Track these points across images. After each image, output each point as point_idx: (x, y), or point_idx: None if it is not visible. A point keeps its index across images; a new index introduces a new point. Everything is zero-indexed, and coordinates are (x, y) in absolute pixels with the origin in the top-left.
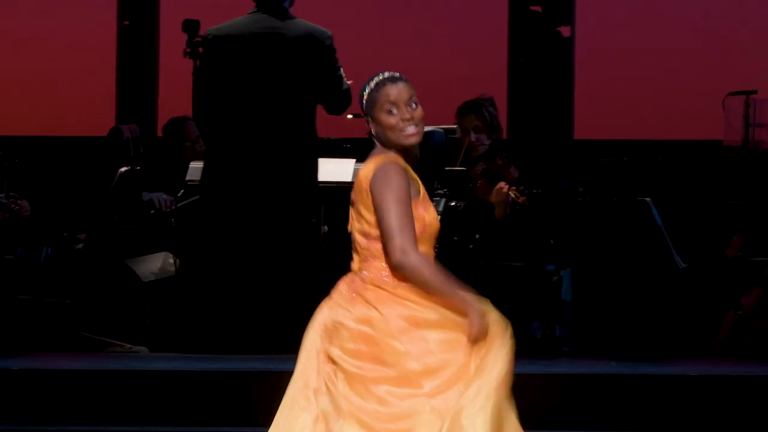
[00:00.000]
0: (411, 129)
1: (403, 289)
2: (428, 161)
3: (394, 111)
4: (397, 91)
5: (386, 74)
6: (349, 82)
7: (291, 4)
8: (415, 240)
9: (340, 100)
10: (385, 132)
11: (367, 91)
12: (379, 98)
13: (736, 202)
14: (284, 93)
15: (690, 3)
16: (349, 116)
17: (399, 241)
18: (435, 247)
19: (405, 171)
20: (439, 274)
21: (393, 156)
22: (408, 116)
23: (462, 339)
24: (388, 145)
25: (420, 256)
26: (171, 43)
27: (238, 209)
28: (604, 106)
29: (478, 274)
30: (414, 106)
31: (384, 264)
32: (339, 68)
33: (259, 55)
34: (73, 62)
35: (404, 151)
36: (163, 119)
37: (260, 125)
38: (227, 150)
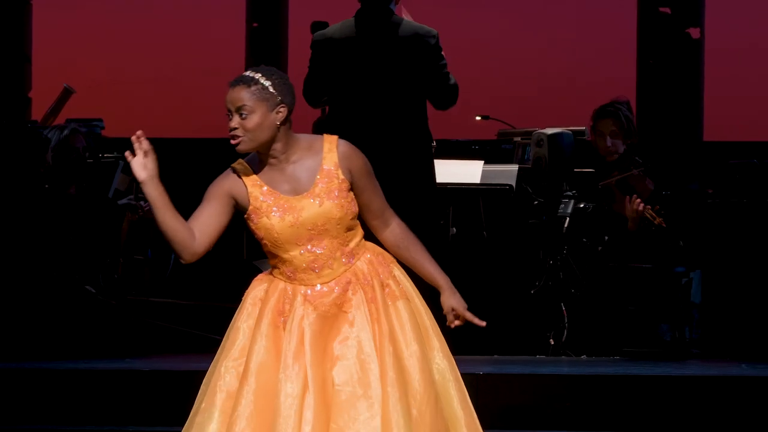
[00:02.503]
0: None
1: None
2: (556, 163)
3: (228, 116)
4: (230, 95)
5: (241, 74)
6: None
7: (396, 3)
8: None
9: (447, 95)
10: None
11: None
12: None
13: None
14: (394, 95)
15: None
16: (477, 118)
17: None
18: (563, 249)
19: (232, 178)
20: None
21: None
22: (234, 125)
23: None
24: None
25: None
26: (299, 44)
27: None
28: (734, 107)
29: (607, 276)
30: (244, 115)
31: None
32: (445, 65)
33: (365, 58)
34: (203, 64)
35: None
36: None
37: (371, 129)
38: None
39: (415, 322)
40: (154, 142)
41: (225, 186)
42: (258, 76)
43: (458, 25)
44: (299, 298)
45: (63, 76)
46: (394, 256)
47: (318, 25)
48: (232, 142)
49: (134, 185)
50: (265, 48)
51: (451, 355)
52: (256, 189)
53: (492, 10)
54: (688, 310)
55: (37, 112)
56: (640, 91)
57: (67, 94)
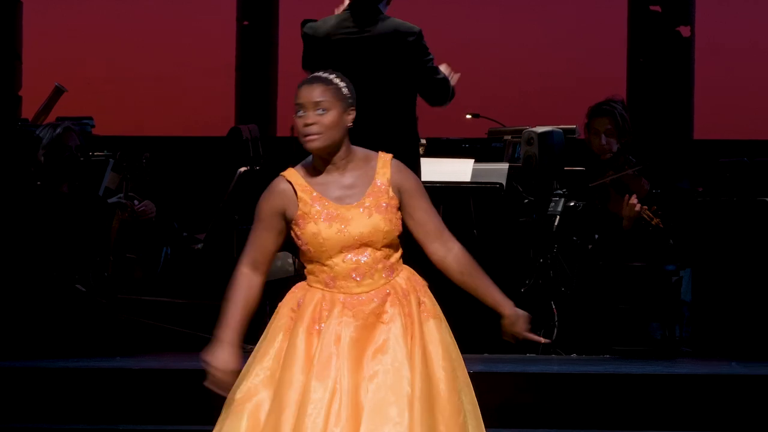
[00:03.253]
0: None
1: None
2: (547, 161)
3: (301, 113)
4: (307, 92)
5: (311, 75)
6: (456, 75)
7: (387, 4)
8: (250, 259)
9: (436, 89)
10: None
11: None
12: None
13: None
14: (376, 93)
15: None
16: (468, 116)
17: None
18: (554, 248)
19: (279, 190)
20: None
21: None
22: (311, 121)
23: None
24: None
25: (237, 272)
26: (290, 42)
27: None
28: (724, 105)
29: (597, 275)
30: (321, 111)
31: None
32: (429, 61)
33: (342, 56)
34: (193, 63)
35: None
36: (282, 119)
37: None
38: None
39: (446, 343)
40: (144, 140)
41: (275, 205)
42: (333, 77)
43: (449, 23)
44: (338, 306)
45: (53, 75)
46: (457, 283)
47: (308, 23)
48: (307, 138)
49: (124, 184)
50: (255, 46)
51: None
52: (306, 194)
53: (483, 8)
54: (678, 309)
55: (28, 111)
56: (630, 90)
57: (58, 92)
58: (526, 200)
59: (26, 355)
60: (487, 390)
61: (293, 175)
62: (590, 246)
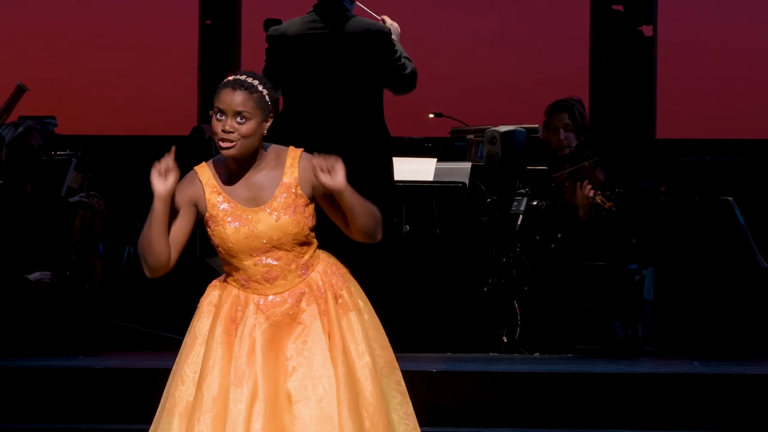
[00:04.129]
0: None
1: None
2: (509, 160)
3: (220, 116)
4: (229, 97)
5: (235, 77)
6: (395, 25)
7: (352, 1)
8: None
9: (403, 84)
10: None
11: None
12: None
13: None
14: (347, 92)
15: None
16: (431, 115)
17: None
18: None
19: (193, 184)
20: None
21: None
22: (229, 128)
23: None
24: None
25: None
26: (252, 42)
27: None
28: (686, 105)
29: (560, 274)
30: (241, 120)
31: None
32: (399, 57)
33: (314, 56)
34: (155, 62)
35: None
36: None
37: (325, 126)
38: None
39: (366, 335)
40: (105, 139)
41: (187, 194)
42: (257, 83)
43: (411, 21)
44: (251, 307)
45: (15, 74)
46: (356, 234)
47: (271, 23)
48: (223, 145)
49: (86, 183)
50: (218, 45)
51: (398, 368)
52: (213, 196)
53: (444, 6)
54: (641, 308)
55: None
56: (593, 89)
57: (20, 91)
58: (489, 199)
59: None
60: (450, 389)
61: (205, 173)
62: (553, 245)
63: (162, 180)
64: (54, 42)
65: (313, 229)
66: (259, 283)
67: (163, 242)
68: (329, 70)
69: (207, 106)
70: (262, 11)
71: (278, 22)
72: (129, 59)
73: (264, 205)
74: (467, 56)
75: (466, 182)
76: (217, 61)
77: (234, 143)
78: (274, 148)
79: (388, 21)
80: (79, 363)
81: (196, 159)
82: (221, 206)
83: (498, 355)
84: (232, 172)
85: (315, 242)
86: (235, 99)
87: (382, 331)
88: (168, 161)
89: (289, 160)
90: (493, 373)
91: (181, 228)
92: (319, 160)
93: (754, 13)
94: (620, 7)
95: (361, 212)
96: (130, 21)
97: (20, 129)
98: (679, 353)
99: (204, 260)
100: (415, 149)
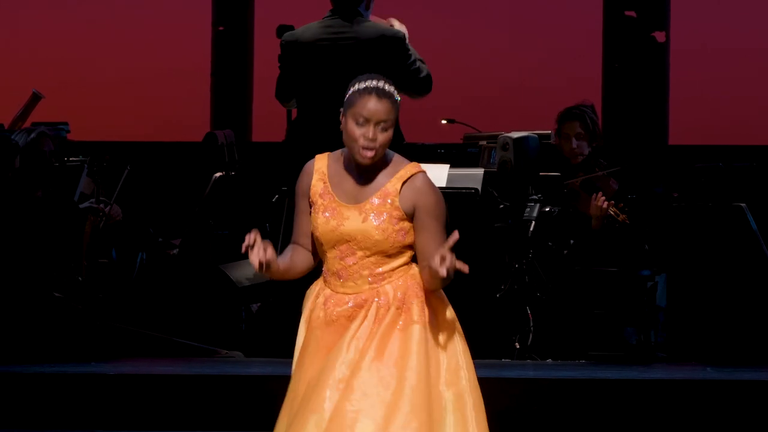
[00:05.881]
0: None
1: None
2: (522, 166)
3: (362, 123)
4: (375, 106)
5: (376, 84)
6: (403, 27)
7: (367, 8)
8: (293, 241)
9: (419, 88)
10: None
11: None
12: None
13: None
14: None
15: None
16: (443, 121)
17: None
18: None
19: (305, 171)
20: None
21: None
22: (372, 136)
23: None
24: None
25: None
26: (265, 48)
27: None
28: (699, 111)
29: (572, 280)
30: (383, 129)
31: None
32: (414, 62)
33: (331, 61)
34: (169, 68)
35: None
36: (257, 124)
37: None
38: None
39: (424, 351)
40: (119, 145)
41: (302, 186)
42: (393, 90)
43: (424, 27)
44: (321, 299)
45: (28, 80)
46: None
47: (284, 29)
48: (367, 153)
49: (96, 189)
50: (230, 51)
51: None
52: (319, 183)
53: (458, 13)
54: (653, 314)
55: (2, 117)
56: (605, 95)
57: (35, 99)
58: (502, 205)
59: (0, 360)
60: None
61: (321, 160)
62: (565, 251)
63: (256, 254)
64: (67, 48)
65: (409, 247)
66: (332, 276)
67: (299, 267)
68: (344, 76)
69: (220, 111)
70: (275, 17)
71: (291, 28)
72: (142, 65)
73: (359, 204)
74: (480, 63)
75: (479, 188)
76: (229, 68)
77: (375, 151)
78: (397, 157)
79: (396, 24)
80: (91, 369)
81: (209, 165)
82: (321, 195)
83: (510, 362)
84: (347, 167)
85: (407, 260)
86: (380, 108)
87: (462, 359)
88: (251, 236)
89: (402, 171)
90: (505, 379)
91: (306, 222)
92: (443, 252)
93: (767, 19)
94: (633, 14)
95: (430, 280)
96: (143, 27)
97: (32, 135)
98: (692, 359)
99: (217, 266)
100: (428, 155)
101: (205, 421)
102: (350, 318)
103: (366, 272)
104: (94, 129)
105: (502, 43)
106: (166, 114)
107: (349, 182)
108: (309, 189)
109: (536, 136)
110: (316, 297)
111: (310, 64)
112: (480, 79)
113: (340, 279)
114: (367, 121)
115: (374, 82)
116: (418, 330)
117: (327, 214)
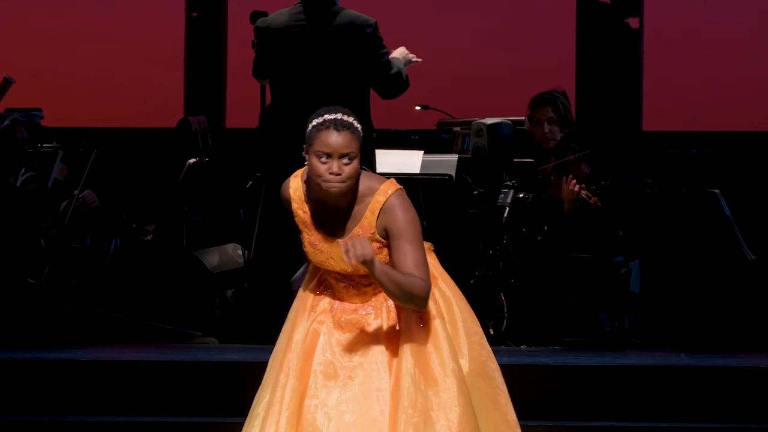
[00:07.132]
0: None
1: None
2: (496, 152)
3: (325, 159)
4: (336, 140)
5: (333, 117)
6: (419, 59)
7: None
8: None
9: (389, 84)
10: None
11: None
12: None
13: None
14: (332, 84)
15: None
16: (417, 107)
17: None
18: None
19: (282, 198)
20: None
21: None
22: (336, 170)
23: None
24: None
25: None
26: (239, 34)
27: None
28: (673, 97)
29: (546, 266)
30: (347, 161)
31: None
32: (384, 54)
33: (300, 47)
34: (142, 54)
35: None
36: (231, 110)
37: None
38: (283, 141)
39: (450, 342)
40: (93, 132)
41: (287, 210)
42: (354, 121)
43: (398, 14)
44: (324, 304)
45: (1, 66)
46: None
47: (257, 15)
48: (333, 189)
49: (71, 175)
50: (204, 37)
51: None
52: (299, 212)
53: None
54: (627, 300)
55: None
56: (579, 81)
57: (7, 84)
58: (476, 192)
59: None
60: None
61: (295, 185)
62: (539, 237)
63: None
64: (41, 34)
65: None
66: (337, 290)
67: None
68: (314, 62)
69: (193, 98)
70: (249, 3)
71: (265, 14)
72: (116, 51)
73: (338, 240)
74: (454, 48)
75: (453, 174)
76: (203, 54)
77: (340, 184)
78: (365, 184)
79: (402, 52)
80: (65, 355)
81: (183, 151)
82: (304, 223)
83: None
84: (323, 196)
85: None
86: (342, 141)
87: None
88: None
89: (373, 204)
90: None
91: None
92: (344, 244)
93: (740, 5)
94: (606, 0)
95: (388, 287)
96: (116, 13)
97: (6, 122)
98: (666, 345)
99: (192, 253)
100: (402, 141)
101: (179, 407)
102: (356, 323)
103: (369, 289)
104: (68, 115)
105: (475, 28)
106: (139, 100)
107: (327, 213)
108: (293, 215)
109: (510, 122)
110: (317, 295)
111: (281, 50)
112: (454, 65)
113: (347, 292)
114: (329, 156)
115: (331, 116)
116: (440, 323)
117: (312, 247)
